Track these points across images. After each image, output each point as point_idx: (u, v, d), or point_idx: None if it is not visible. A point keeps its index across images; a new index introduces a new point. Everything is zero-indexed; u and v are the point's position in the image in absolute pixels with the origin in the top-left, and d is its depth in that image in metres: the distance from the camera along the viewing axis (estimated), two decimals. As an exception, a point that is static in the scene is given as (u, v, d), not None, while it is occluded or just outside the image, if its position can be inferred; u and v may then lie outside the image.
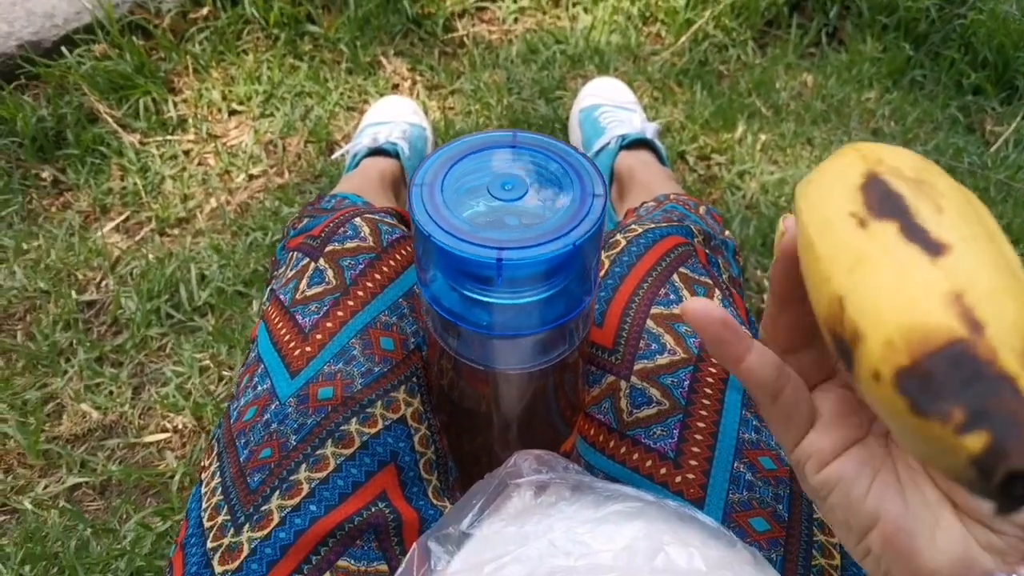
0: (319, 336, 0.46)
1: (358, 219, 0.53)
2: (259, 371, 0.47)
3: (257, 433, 0.44)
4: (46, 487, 0.82)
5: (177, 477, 0.81)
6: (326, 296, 0.48)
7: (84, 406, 0.87)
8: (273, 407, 0.44)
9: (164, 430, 0.85)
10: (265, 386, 0.46)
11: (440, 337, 0.44)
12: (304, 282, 0.50)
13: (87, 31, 1.25)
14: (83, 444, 0.86)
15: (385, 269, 0.50)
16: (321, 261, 0.50)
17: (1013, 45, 1.29)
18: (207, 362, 0.90)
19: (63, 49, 1.23)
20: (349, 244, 0.51)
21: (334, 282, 0.49)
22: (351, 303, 0.48)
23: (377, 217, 0.53)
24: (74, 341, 0.93)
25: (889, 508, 0.27)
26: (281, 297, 0.50)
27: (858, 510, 0.27)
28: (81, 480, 0.82)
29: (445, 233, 0.38)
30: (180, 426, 0.85)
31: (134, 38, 1.24)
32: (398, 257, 0.51)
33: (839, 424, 0.28)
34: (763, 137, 1.19)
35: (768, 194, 1.12)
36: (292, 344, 0.47)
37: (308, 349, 0.46)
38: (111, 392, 0.89)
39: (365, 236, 0.51)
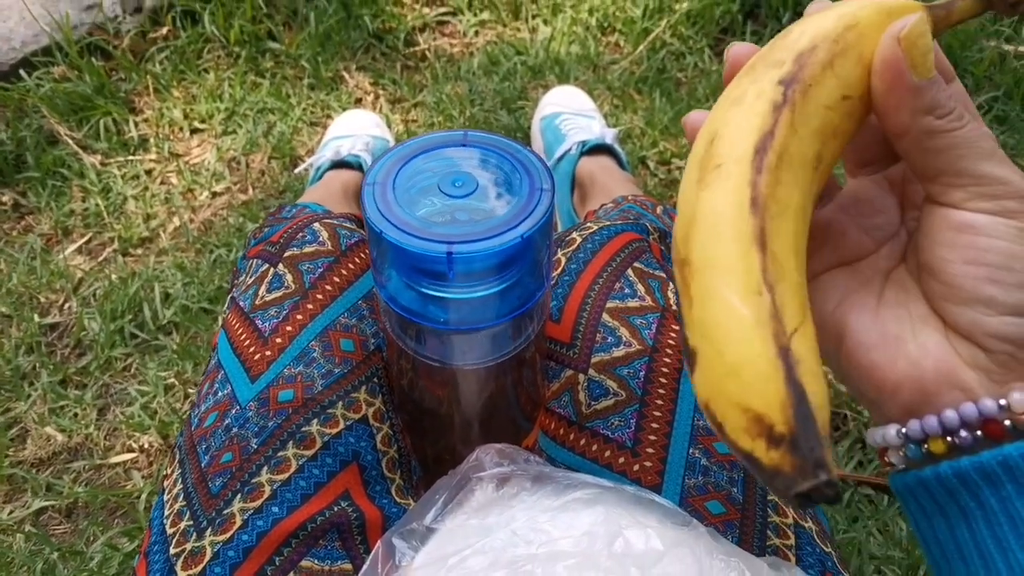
0: (279, 340, 0.47)
1: (316, 224, 0.53)
2: (219, 377, 0.47)
3: (218, 438, 0.44)
4: (11, 512, 0.80)
5: (144, 496, 0.80)
6: (285, 300, 0.49)
7: (48, 429, 0.86)
8: (234, 411, 0.44)
9: (130, 450, 0.85)
10: (225, 391, 0.46)
11: (398, 337, 0.44)
12: (263, 287, 0.50)
13: (45, 53, 1.24)
14: (48, 467, 0.84)
15: (344, 272, 0.51)
16: (280, 266, 0.51)
17: (960, 45, 1.34)
18: (172, 380, 0.89)
19: (21, 72, 1.22)
20: (308, 248, 0.51)
21: (293, 286, 0.49)
22: (310, 306, 0.48)
23: (335, 222, 0.54)
24: (37, 364, 0.92)
25: (850, 322, 0.27)
26: (241, 304, 0.50)
27: (822, 326, 0.28)
28: (47, 504, 0.80)
29: (396, 230, 0.38)
30: (146, 445, 0.84)
31: (93, 59, 1.24)
32: (357, 260, 0.52)
33: (821, 246, 0.29)
34: (721, 140, 1.21)
35: (728, 195, 1.14)
36: (252, 349, 0.47)
37: (268, 353, 0.46)
38: (76, 414, 0.88)
39: (324, 240, 0.52)
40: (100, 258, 1.06)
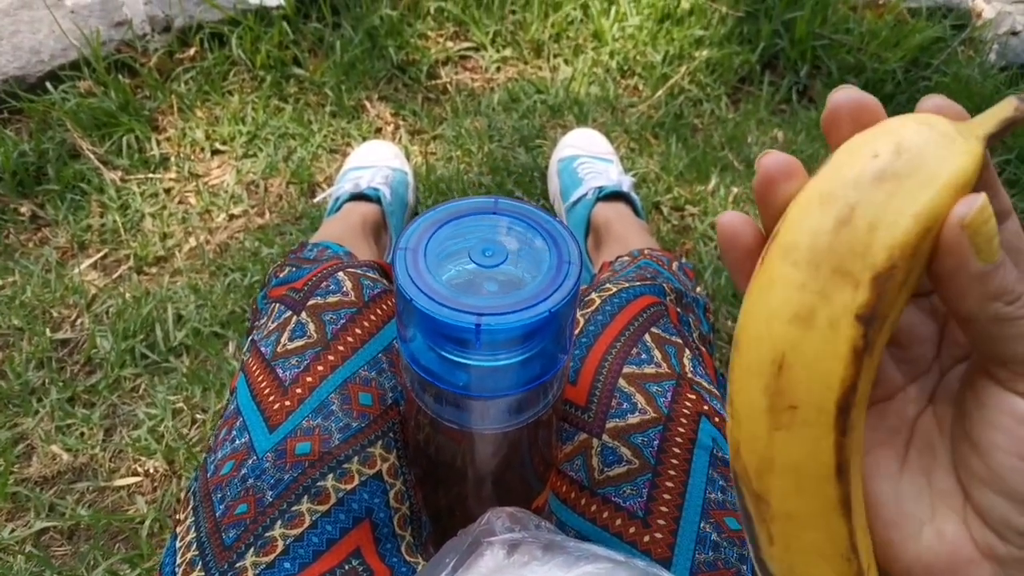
0: (299, 390, 0.47)
1: (340, 273, 0.54)
2: (238, 424, 0.47)
3: (234, 488, 0.44)
4: (12, 531, 0.81)
5: (147, 523, 0.80)
6: (307, 350, 0.49)
7: (54, 448, 0.86)
8: (251, 462, 0.45)
9: (135, 474, 0.85)
10: (243, 440, 0.46)
11: (417, 395, 0.45)
12: (286, 335, 0.51)
13: (73, 67, 1.26)
14: (52, 487, 0.85)
15: (366, 324, 0.51)
16: (303, 315, 0.51)
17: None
18: (180, 405, 0.90)
19: (48, 85, 1.24)
20: (331, 298, 0.52)
21: (315, 336, 0.50)
22: (331, 358, 0.49)
23: (359, 271, 0.55)
24: (47, 380, 0.93)
25: (872, 490, 0.26)
26: (262, 349, 0.51)
27: None
28: (49, 524, 0.81)
29: (427, 298, 0.39)
30: (151, 470, 0.85)
31: (120, 76, 1.26)
32: (379, 312, 0.52)
33: None
34: (735, 190, 1.23)
35: (740, 246, 1.15)
36: (272, 398, 0.47)
37: (287, 403, 0.47)
38: (82, 433, 0.88)
39: (347, 291, 0.52)
40: (115, 275, 1.06)
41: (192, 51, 1.31)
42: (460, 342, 0.40)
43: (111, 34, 1.30)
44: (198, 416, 0.89)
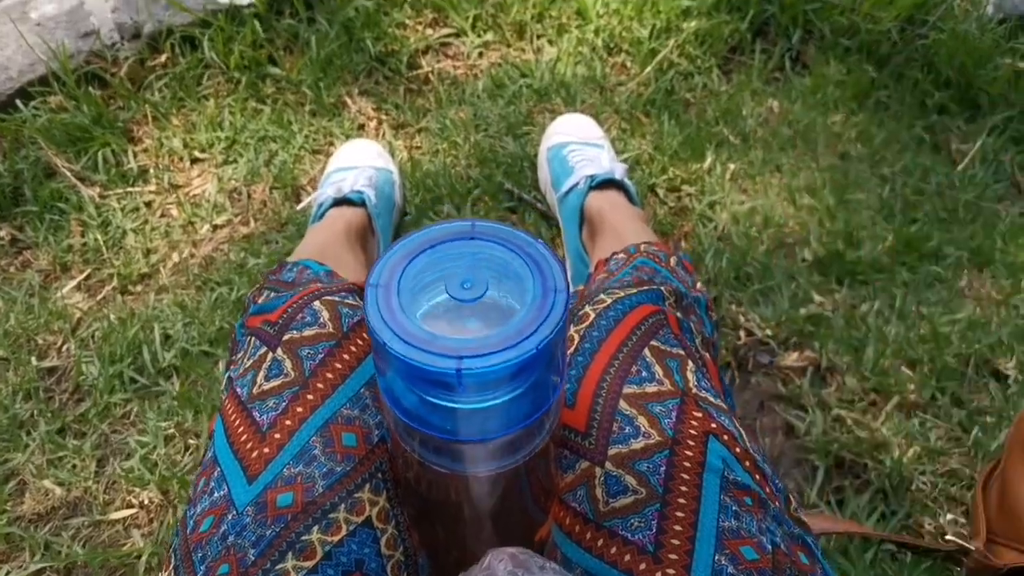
0: (277, 435, 0.44)
1: (317, 303, 0.51)
2: (215, 475, 0.45)
3: (214, 547, 0.41)
4: (8, 573, 0.78)
5: (144, 557, 0.78)
6: (284, 390, 0.46)
7: (47, 483, 0.84)
8: (230, 517, 0.42)
9: (130, 505, 0.83)
10: (222, 492, 0.44)
11: (402, 438, 0.42)
12: (261, 374, 0.48)
13: (42, 82, 1.22)
14: (46, 524, 0.82)
15: (346, 357, 0.48)
16: (279, 351, 0.48)
17: (974, 63, 1.30)
18: (172, 431, 0.87)
19: (18, 102, 1.20)
20: (308, 332, 0.49)
21: (292, 374, 0.47)
22: (310, 397, 0.46)
23: (337, 299, 0.52)
24: (35, 412, 0.90)
25: None
26: (238, 390, 0.48)
27: None
28: (45, 565, 0.78)
29: (401, 342, 0.36)
30: (146, 501, 0.82)
31: (91, 88, 1.22)
32: (359, 342, 0.49)
33: None
34: (732, 166, 1.19)
35: (739, 224, 1.12)
36: (249, 445, 0.45)
37: (266, 450, 0.44)
38: (74, 466, 0.86)
39: (324, 322, 0.49)
40: (99, 296, 1.03)
41: (163, 57, 1.27)
42: (442, 386, 0.37)
43: (79, 45, 1.25)
44: (191, 441, 0.87)
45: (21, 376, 0.94)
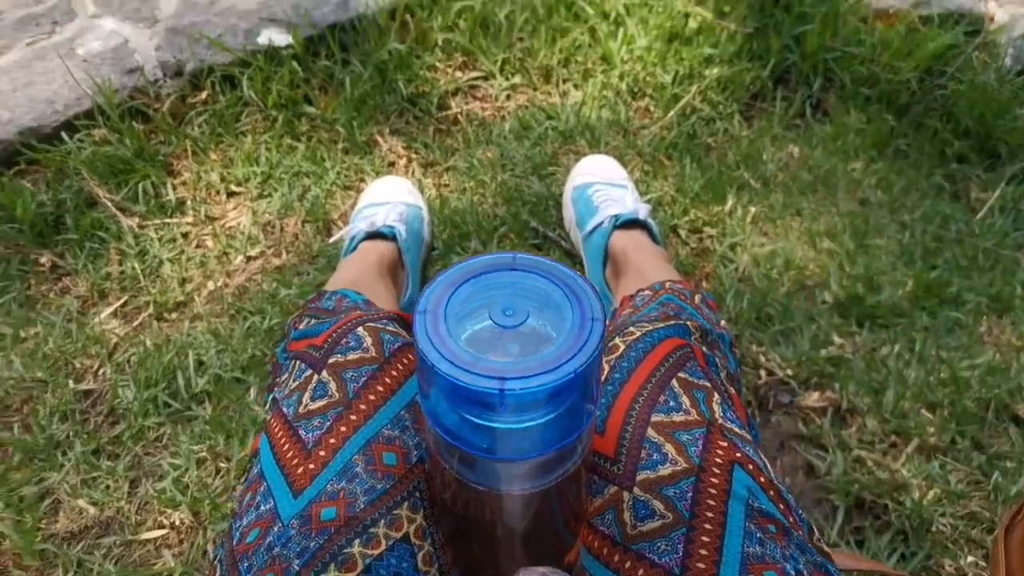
0: (322, 453, 0.47)
1: (360, 328, 0.53)
2: (262, 489, 0.47)
3: (260, 557, 0.43)
4: (40, 589, 0.80)
5: (174, 577, 0.79)
6: (329, 410, 0.49)
7: (81, 502, 0.86)
8: (276, 529, 0.44)
9: (161, 526, 0.84)
10: (268, 506, 0.46)
11: (441, 456, 0.44)
12: (307, 395, 0.50)
13: (87, 116, 1.27)
14: (80, 542, 0.84)
15: (387, 380, 0.50)
16: (324, 373, 0.51)
17: (993, 114, 1.33)
18: (204, 454, 0.89)
19: (63, 134, 1.25)
20: (352, 356, 0.51)
21: (337, 395, 0.49)
22: (354, 417, 0.48)
23: (379, 325, 0.54)
24: (71, 433, 0.93)
25: None
26: (284, 410, 0.50)
27: None
28: (77, 581, 0.80)
29: (448, 363, 0.38)
30: (177, 522, 0.84)
31: (134, 122, 1.27)
32: (400, 367, 0.52)
33: None
34: (753, 209, 1.21)
35: (760, 266, 1.14)
36: (295, 461, 0.47)
37: (311, 466, 0.46)
38: (108, 486, 0.88)
39: (367, 347, 0.52)
40: (135, 323, 1.07)
41: (204, 94, 1.32)
42: (484, 405, 0.39)
43: (124, 81, 1.31)
44: (221, 465, 0.89)
45: (59, 398, 0.97)
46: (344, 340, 0.52)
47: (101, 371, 1.00)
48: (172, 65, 1.33)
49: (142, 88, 1.30)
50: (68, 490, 0.88)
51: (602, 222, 1.03)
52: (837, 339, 1.05)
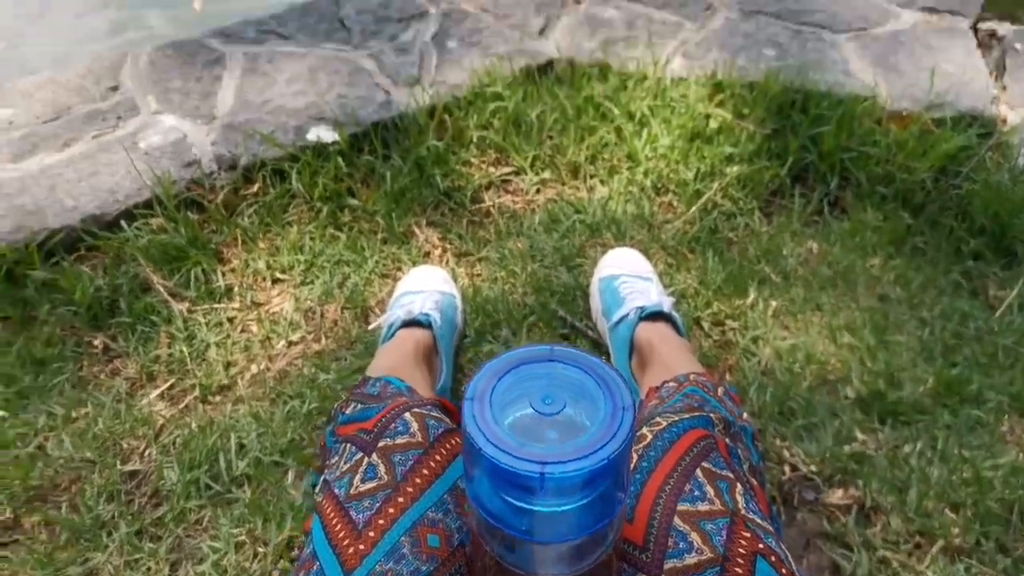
0: (372, 533, 0.50)
1: (407, 414, 0.57)
2: (315, 569, 0.50)
3: (312, 632, 0.46)
4: (81, 665, 0.82)
5: (211, 657, 0.81)
6: (378, 492, 0.52)
7: (123, 580, 0.89)
8: (328, 606, 0.47)
9: (199, 607, 0.87)
10: (320, 584, 0.49)
11: (483, 537, 0.47)
12: (358, 477, 0.54)
13: (146, 206, 1.36)
14: (120, 620, 0.87)
15: (432, 464, 0.54)
16: (374, 456, 0.55)
17: (1008, 213, 1.37)
18: (243, 537, 0.92)
19: (122, 222, 1.33)
20: (400, 440, 0.55)
21: (386, 478, 0.53)
22: (401, 500, 0.52)
23: (424, 411, 0.58)
24: (116, 513, 0.96)
25: None
26: (336, 491, 0.54)
27: None
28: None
29: (493, 447, 0.42)
30: (215, 602, 0.87)
31: (189, 212, 1.35)
32: (443, 452, 0.56)
33: None
34: (774, 303, 1.25)
35: (782, 360, 1.17)
36: (346, 541, 0.50)
37: (361, 547, 0.49)
38: (149, 568, 0.91)
39: (414, 432, 0.56)
40: (181, 405, 1.12)
41: (256, 187, 1.41)
42: (524, 488, 0.43)
43: (181, 173, 1.40)
44: (259, 549, 0.92)
45: (106, 478, 1.01)
46: (392, 425, 0.56)
47: (147, 452, 1.05)
48: (227, 159, 1.43)
49: (198, 180, 1.40)
50: (111, 571, 0.90)
51: (628, 314, 1.07)
52: (860, 435, 1.06)
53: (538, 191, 1.50)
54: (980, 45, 1.72)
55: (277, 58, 1.61)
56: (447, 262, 1.36)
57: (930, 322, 1.23)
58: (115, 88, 1.57)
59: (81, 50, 2.20)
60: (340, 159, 1.43)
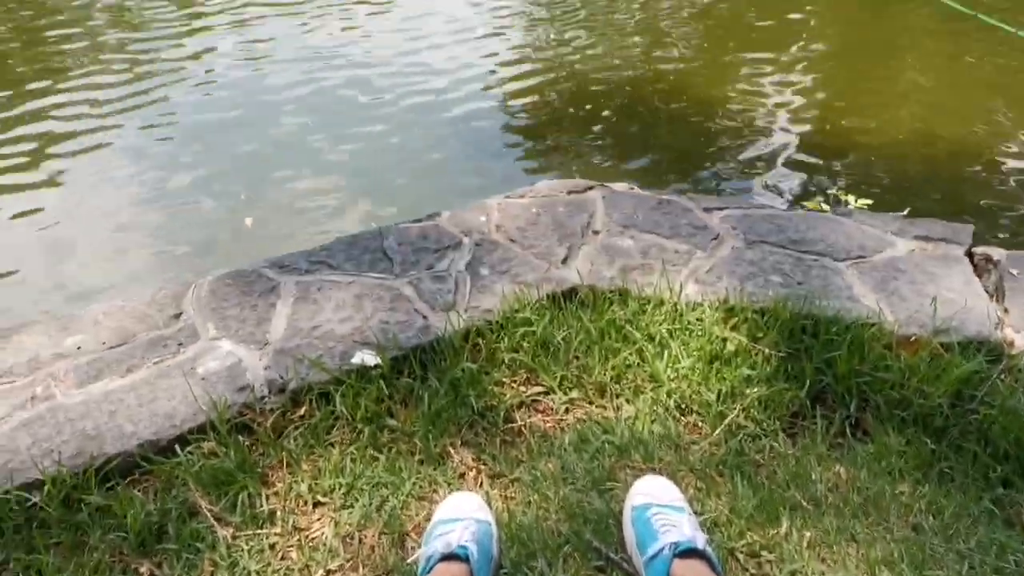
0: None
1: None
2: None
3: None
4: None
5: None
6: None
7: None
8: None
9: None
10: None
11: None
12: None
13: (199, 430, 1.44)
14: None
15: None
16: None
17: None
18: None
19: (176, 447, 1.41)
20: None
21: None
22: None
23: None
24: None
25: None
26: None
27: None
28: None
29: None
30: None
31: (239, 436, 1.43)
32: None
33: None
34: (808, 533, 1.27)
35: (820, 595, 1.17)
36: None
37: None
38: None
39: None
40: (220, 638, 1.13)
41: (303, 410, 1.49)
42: None
43: (235, 398, 1.50)
44: None
45: None
46: None
47: None
48: (277, 383, 1.53)
49: (250, 404, 1.49)
50: None
51: (663, 549, 1.10)
52: None
53: (567, 410, 1.57)
54: (976, 269, 1.84)
55: (326, 286, 1.76)
56: (481, 483, 1.41)
57: (968, 555, 1.23)
58: (178, 315, 1.71)
59: (152, 279, 2.43)
60: (382, 382, 1.52)
